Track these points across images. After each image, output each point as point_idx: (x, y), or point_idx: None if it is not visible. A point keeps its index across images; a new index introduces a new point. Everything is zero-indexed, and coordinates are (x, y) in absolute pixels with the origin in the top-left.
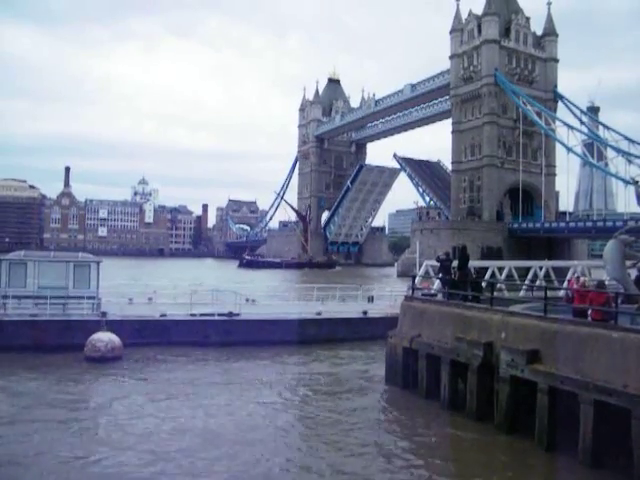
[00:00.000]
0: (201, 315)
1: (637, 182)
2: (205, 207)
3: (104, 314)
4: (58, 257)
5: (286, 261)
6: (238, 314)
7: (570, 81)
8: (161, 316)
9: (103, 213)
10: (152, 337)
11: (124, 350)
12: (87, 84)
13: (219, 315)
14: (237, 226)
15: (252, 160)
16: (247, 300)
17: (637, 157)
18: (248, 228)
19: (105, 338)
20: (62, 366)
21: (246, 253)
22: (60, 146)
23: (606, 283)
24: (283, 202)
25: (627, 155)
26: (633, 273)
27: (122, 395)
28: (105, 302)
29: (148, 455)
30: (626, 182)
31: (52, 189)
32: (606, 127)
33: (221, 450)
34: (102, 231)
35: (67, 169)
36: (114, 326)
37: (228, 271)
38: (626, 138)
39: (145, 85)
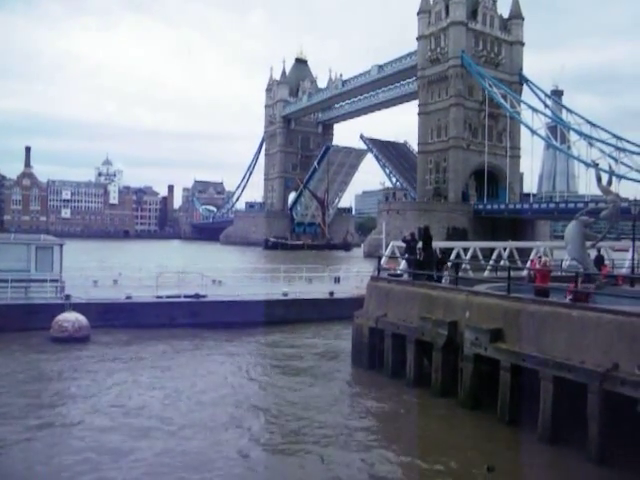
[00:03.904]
0: (167, 297)
1: (597, 165)
2: (171, 188)
3: (68, 297)
4: (19, 239)
5: (307, 243)
6: (205, 296)
7: (535, 64)
8: (127, 298)
9: (66, 194)
10: (118, 320)
11: (92, 331)
12: (43, 61)
13: (185, 297)
14: (203, 207)
15: (218, 140)
16: (214, 282)
17: (598, 140)
18: (214, 209)
19: (72, 318)
20: (27, 346)
21: (271, 236)
22: (19, 125)
23: (567, 263)
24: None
25: (589, 138)
26: (592, 253)
27: (92, 375)
28: (69, 285)
29: (116, 436)
30: (587, 165)
31: (12, 170)
32: (569, 111)
33: (184, 432)
34: (65, 213)
35: (27, 149)
36: (78, 309)
37: (255, 254)
38: (588, 122)
39: (104, 63)
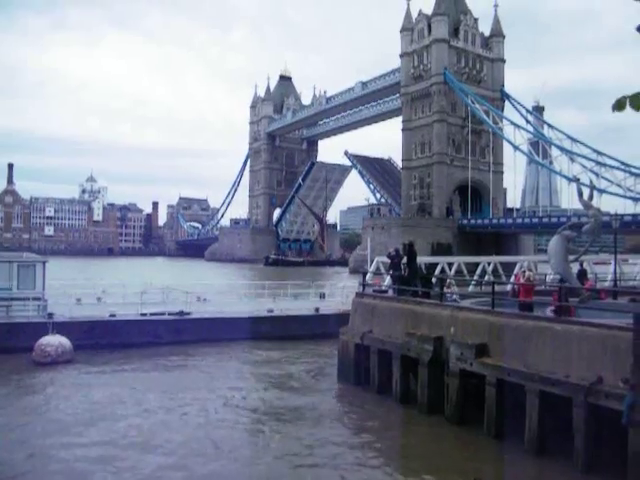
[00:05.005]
0: (151, 315)
1: (579, 180)
2: (155, 205)
3: (51, 315)
4: (0, 257)
5: (307, 260)
6: (189, 313)
7: (516, 80)
8: (110, 316)
9: (49, 211)
10: (101, 338)
11: (75, 354)
12: (25, 77)
13: (170, 314)
14: (188, 224)
15: (203, 157)
16: (198, 299)
17: (579, 155)
18: (199, 226)
19: (55, 342)
20: (10, 372)
21: (272, 253)
22: (1, 142)
23: (550, 277)
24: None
25: (570, 154)
26: (575, 267)
27: (75, 401)
28: (52, 303)
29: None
30: (569, 180)
31: None
32: (550, 126)
33: (172, 455)
34: (49, 230)
35: (10, 165)
36: (62, 328)
37: (255, 271)
38: (569, 137)
39: (87, 79)
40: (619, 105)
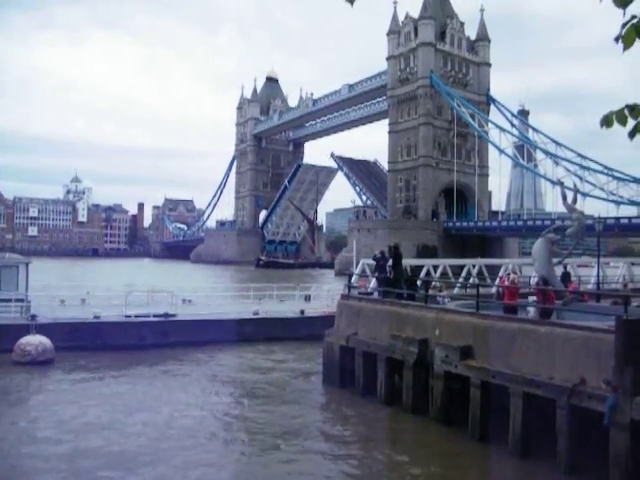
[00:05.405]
0: (136, 316)
1: (563, 183)
2: (141, 206)
3: (34, 317)
4: None
5: (298, 262)
6: (174, 315)
7: (502, 84)
8: (95, 318)
9: (33, 212)
10: (85, 340)
11: (56, 354)
12: (10, 76)
13: (155, 316)
14: (174, 225)
15: (188, 158)
16: (184, 300)
17: (563, 159)
18: (185, 227)
19: (35, 341)
20: None
21: (263, 255)
22: None
23: (535, 280)
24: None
25: (554, 157)
26: (559, 270)
27: (55, 403)
28: (35, 305)
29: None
30: (553, 183)
31: None
32: (535, 130)
33: (156, 457)
34: (32, 230)
35: None
36: (45, 329)
37: (244, 273)
38: (553, 141)
39: (73, 79)
40: (607, 121)
